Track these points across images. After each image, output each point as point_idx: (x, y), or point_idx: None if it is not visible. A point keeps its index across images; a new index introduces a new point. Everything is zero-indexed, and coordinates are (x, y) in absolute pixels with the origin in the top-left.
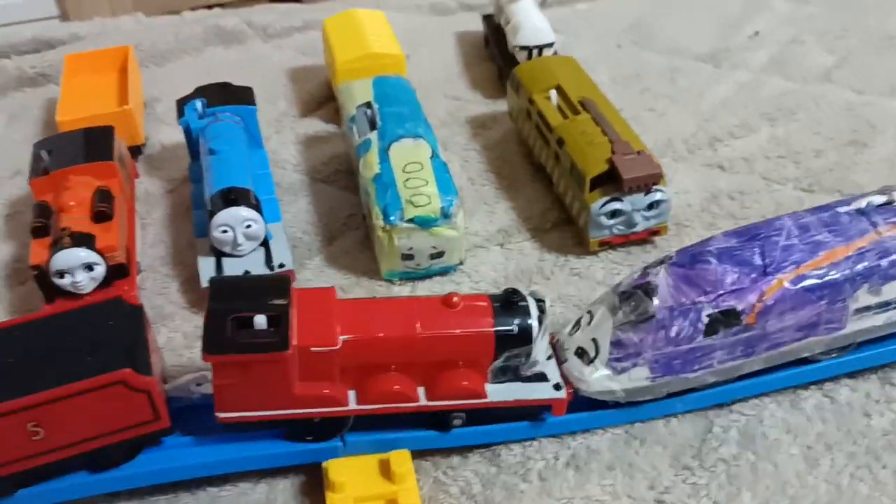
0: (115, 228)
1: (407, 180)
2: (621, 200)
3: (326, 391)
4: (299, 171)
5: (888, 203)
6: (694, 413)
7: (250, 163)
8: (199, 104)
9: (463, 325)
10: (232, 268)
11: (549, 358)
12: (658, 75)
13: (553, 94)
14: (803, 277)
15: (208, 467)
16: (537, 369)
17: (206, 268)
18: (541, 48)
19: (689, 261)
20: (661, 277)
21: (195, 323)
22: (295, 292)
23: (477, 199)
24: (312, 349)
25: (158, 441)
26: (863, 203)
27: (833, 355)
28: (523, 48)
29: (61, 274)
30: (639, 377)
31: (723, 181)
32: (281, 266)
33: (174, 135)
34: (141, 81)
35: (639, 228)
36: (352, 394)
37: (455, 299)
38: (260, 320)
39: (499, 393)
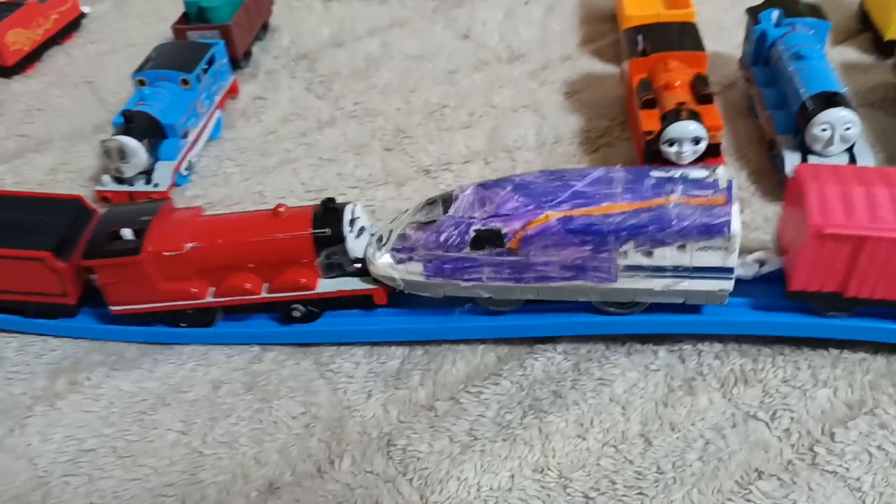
0: (716, 111)
1: None
2: None
3: (187, 288)
4: None
5: (704, 178)
6: None
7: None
8: (775, 14)
9: (284, 230)
10: None
11: None
12: None
13: None
14: (571, 219)
15: None
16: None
17: (790, 160)
18: None
19: (492, 185)
20: (466, 193)
21: (772, 210)
22: (166, 211)
23: None
24: (164, 253)
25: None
26: (677, 173)
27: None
28: None
29: (671, 143)
30: (414, 271)
31: None
32: None
33: None
34: None
35: None
36: (211, 290)
37: (281, 209)
38: (126, 233)
39: (327, 286)
